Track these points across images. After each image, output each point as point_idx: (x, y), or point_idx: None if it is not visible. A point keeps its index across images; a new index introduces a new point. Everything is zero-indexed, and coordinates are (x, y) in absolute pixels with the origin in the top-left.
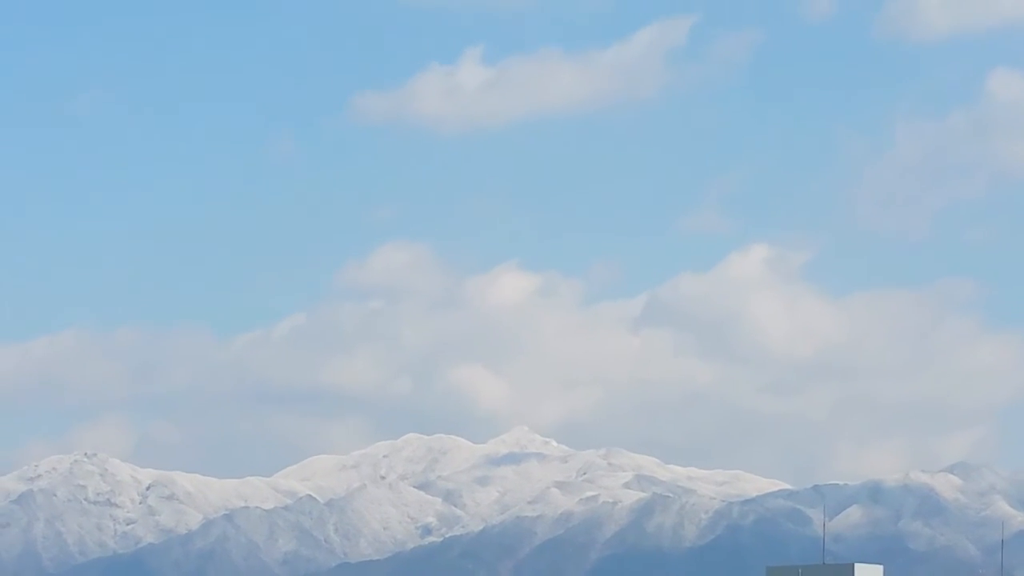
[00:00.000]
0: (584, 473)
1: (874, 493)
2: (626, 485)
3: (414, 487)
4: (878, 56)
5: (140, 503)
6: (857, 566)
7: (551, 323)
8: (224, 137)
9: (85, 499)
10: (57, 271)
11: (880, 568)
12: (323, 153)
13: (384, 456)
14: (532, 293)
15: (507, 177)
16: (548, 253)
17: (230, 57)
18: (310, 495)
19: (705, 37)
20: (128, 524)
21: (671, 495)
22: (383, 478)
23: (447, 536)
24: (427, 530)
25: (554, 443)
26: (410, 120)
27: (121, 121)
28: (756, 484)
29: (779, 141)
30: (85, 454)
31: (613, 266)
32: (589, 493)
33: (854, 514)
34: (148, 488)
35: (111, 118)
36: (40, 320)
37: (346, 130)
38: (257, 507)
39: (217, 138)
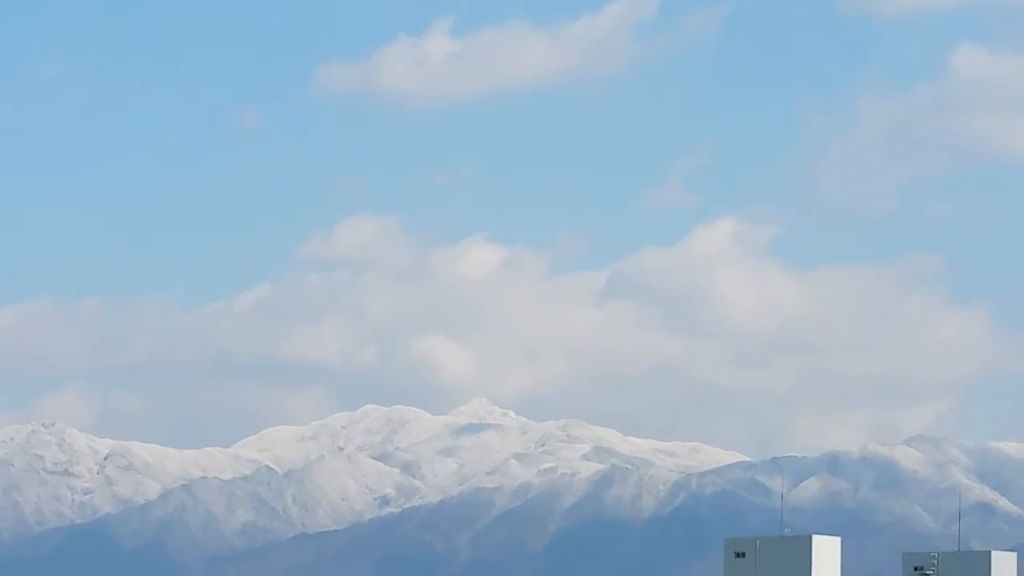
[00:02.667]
0: (543, 445)
1: (832, 465)
2: (584, 457)
3: (372, 458)
4: (844, 31)
5: (98, 473)
6: (815, 538)
7: (516, 295)
8: (189, 109)
9: (43, 469)
10: (21, 243)
11: (838, 540)
12: (288, 125)
13: (342, 427)
14: (498, 266)
15: (474, 150)
16: (514, 226)
17: (193, 29)
18: (268, 466)
19: (675, 10)
20: (86, 494)
21: (629, 467)
22: (341, 449)
23: (405, 507)
24: (385, 501)
25: (512, 414)
26: (376, 92)
27: (85, 94)
28: (715, 456)
29: (745, 116)
30: (43, 424)
31: (579, 239)
32: (547, 465)
33: (812, 486)
34: (106, 458)
35: (74, 91)
36: (4, 291)
37: (312, 102)
38: (215, 477)
39: (182, 110)
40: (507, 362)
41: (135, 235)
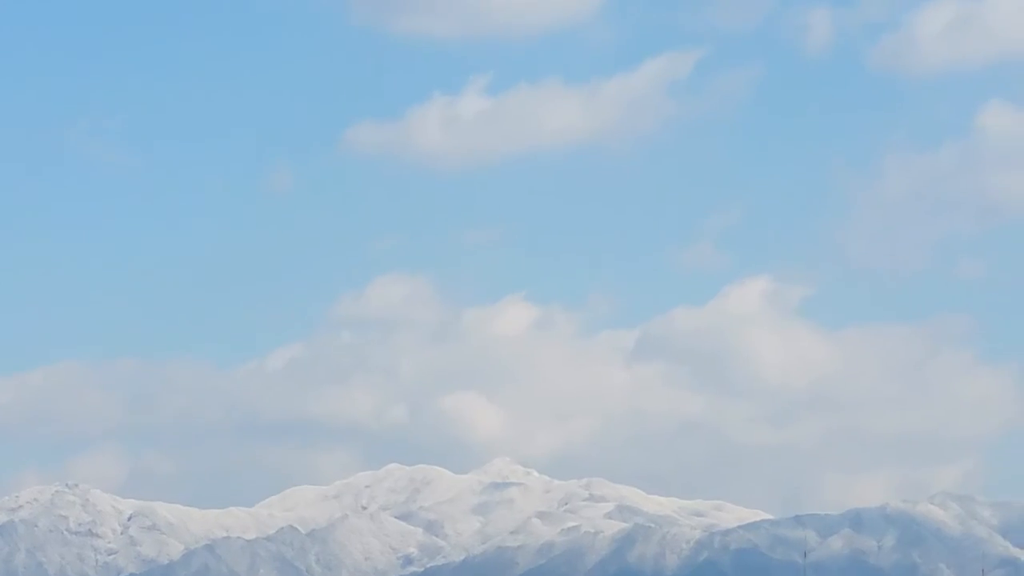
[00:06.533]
0: (565, 503)
1: (856, 523)
2: (608, 515)
3: (396, 517)
4: (873, 89)
5: (121, 533)
6: None
7: (548, 354)
8: (219, 168)
9: (66, 529)
10: (52, 303)
11: None
12: (320, 184)
13: (366, 486)
14: (530, 325)
15: (506, 209)
16: (547, 286)
17: (225, 87)
18: (291, 526)
19: (709, 70)
20: (109, 555)
21: (653, 525)
22: (364, 508)
23: (429, 566)
24: (408, 560)
25: (535, 473)
26: (409, 151)
27: (115, 152)
28: (738, 514)
29: (776, 175)
30: (67, 484)
31: (610, 298)
32: (571, 524)
33: (836, 544)
34: (129, 519)
35: (105, 148)
36: (37, 352)
37: (343, 161)
38: (239, 537)
39: (212, 169)
40: (537, 420)
41: (166, 295)
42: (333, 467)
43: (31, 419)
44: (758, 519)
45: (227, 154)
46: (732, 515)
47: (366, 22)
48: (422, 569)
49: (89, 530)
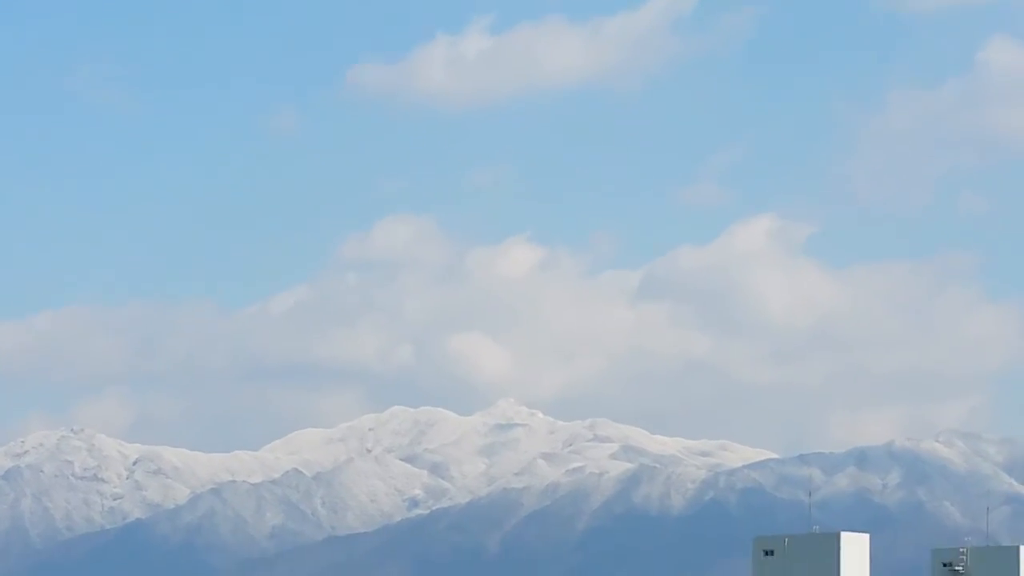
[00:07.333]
0: (570, 444)
1: (861, 461)
2: (612, 456)
3: (401, 460)
4: (875, 27)
5: (127, 478)
6: (843, 534)
7: (552, 295)
8: (223, 110)
9: (72, 474)
10: (60, 248)
11: (866, 536)
12: (324, 125)
13: (370, 429)
14: (535, 266)
15: (509, 149)
16: (551, 226)
17: (228, 29)
18: (297, 469)
19: (712, 7)
20: (115, 499)
21: (658, 465)
22: (369, 451)
23: (434, 508)
24: (414, 502)
25: (540, 414)
26: (412, 91)
27: (120, 96)
28: (743, 454)
29: (778, 113)
30: (72, 429)
31: (614, 238)
32: (575, 464)
33: (841, 482)
34: (135, 463)
35: (109, 93)
36: (42, 296)
37: (347, 101)
38: (244, 481)
39: (217, 112)
40: (541, 361)
41: (172, 239)
42: (338, 410)
43: (36, 364)
44: (763, 458)
45: (231, 96)
46: (737, 455)
47: None
48: (428, 511)
49: (95, 475)
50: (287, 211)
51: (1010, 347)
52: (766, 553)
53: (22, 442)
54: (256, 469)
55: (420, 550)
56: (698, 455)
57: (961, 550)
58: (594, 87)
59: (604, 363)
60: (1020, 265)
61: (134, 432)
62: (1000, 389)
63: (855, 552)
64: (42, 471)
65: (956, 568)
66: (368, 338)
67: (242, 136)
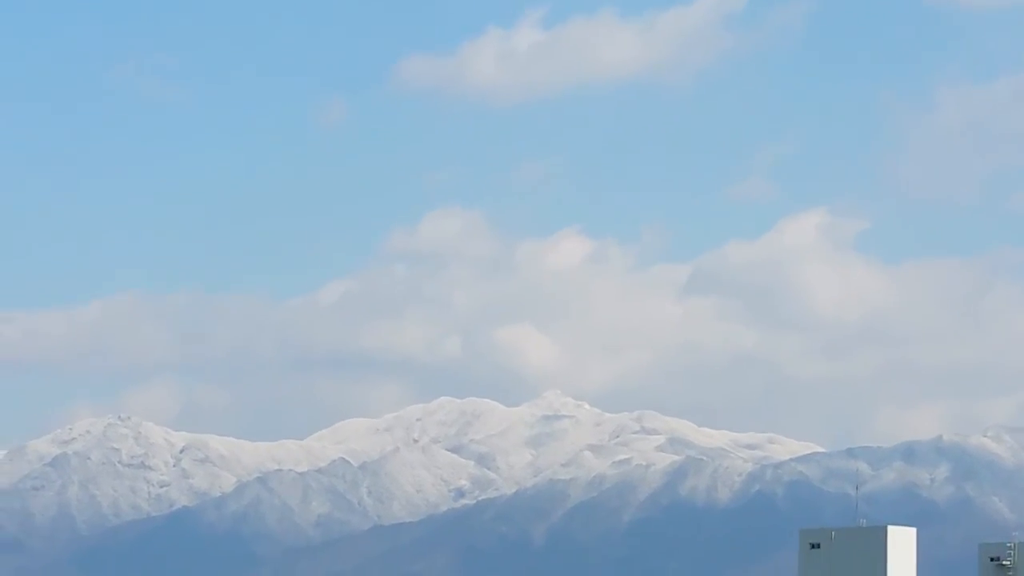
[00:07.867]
0: (617, 436)
1: (909, 455)
2: (659, 448)
3: (447, 450)
4: (927, 22)
5: (174, 466)
6: (890, 528)
7: (601, 288)
8: (274, 103)
9: (119, 462)
10: (108, 237)
11: (913, 530)
12: (374, 118)
13: (417, 419)
14: (584, 259)
15: (560, 143)
16: (601, 219)
17: (278, 22)
18: (343, 458)
19: (764, 3)
20: (162, 487)
21: (705, 458)
22: (416, 441)
23: (480, 499)
24: (460, 493)
25: (587, 406)
26: (463, 85)
27: (171, 88)
28: (790, 447)
29: (830, 108)
30: (119, 417)
31: (664, 232)
32: (622, 456)
33: (888, 476)
34: (182, 451)
35: (161, 85)
36: (91, 285)
37: (397, 94)
38: (291, 470)
39: (267, 105)
40: (589, 354)
41: (221, 229)
42: (385, 400)
43: (85, 352)
44: (811, 452)
45: (281, 88)
46: (785, 448)
47: None
48: (474, 502)
49: (142, 462)
50: (335, 203)
51: None
52: (812, 546)
53: (70, 429)
54: (302, 458)
55: (466, 540)
56: (745, 448)
57: (1009, 544)
58: (645, 82)
59: (652, 356)
60: None
61: (181, 420)
62: None
63: (902, 546)
64: (89, 458)
65: (1004, 563)
66: (416, 329)
67: (292, 128)
